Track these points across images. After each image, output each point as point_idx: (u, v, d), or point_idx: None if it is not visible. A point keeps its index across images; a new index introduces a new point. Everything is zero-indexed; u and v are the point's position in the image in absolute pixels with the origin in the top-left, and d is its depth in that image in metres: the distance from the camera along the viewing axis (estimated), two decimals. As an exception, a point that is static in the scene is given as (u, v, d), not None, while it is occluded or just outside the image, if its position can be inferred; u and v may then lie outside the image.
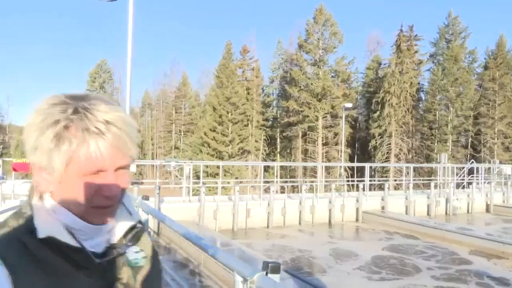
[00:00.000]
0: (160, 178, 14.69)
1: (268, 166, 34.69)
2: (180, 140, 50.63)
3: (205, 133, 38.86)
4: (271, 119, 46.40)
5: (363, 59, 48.18)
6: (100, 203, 0.78)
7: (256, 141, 42.29)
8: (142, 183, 14.04)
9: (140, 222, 0.89)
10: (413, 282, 8.13)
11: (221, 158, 36.31)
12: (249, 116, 41.40)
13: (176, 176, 15.53)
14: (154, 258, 0.95)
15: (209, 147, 38.26)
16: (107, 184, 0.77)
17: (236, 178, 31.11)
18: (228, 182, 21.54)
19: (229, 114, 38.74)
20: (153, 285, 0.91)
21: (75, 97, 0.78)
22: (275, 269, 1.52)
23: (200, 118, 47.11)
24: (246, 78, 43.97)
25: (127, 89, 9.60)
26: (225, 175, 31.46)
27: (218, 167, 23.82)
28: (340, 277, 8.31)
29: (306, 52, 39.59)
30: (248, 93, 42.73)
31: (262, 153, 42.99)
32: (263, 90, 46.92)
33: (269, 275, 1.50)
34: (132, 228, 0.87)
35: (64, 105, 0.76)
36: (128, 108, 10.12)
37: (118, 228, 0.86)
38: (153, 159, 46.48)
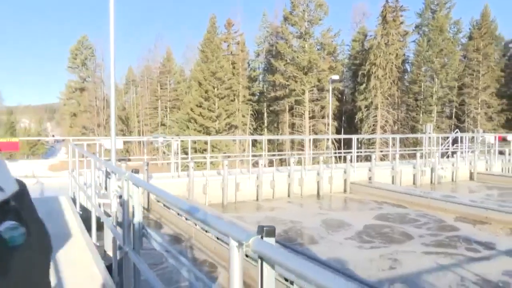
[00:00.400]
0: (147, 155, 14.58)
1: (256, 141, 34.71)
2: (167, 117, 50.15)
3: (191, 109, 38.53)
4: (258, 94, 46.13)
5: (349, 31, 48.08)
6: None
7: (243, 116, 42.15)
8: (129, 159, 13.95)
9: (16, 194, 0.78)
10: (405, 249, 8.32)
11: (208, 134, 36.18)
12: (236, 91, 41.09)
13: (164, 152, 15.45)
14: (40, 235, 0.84)
15: (196, 123, 38.02)
16: None
17: (224, 153, 31.11)
18: (216, 157, 21.54)
19: (215, 89, 38.35)
20: (36, 266, 0.79)
21: None
22: (270, 232, 1.51)
23: (186, 94, 46.61)
24: (231, 52, 43.39)
25: (111, 66, 9.35)
26: (213, 150, 31.42)
27: (206, 142, 23.76)
28: (332, 247, 8.45)
29: (291, 24, 39.08)
30: (234, 68, 42.27)
31: (250, 128, 42.94)
32: (249, 64, 46.43)
33: (264, 238, 1.49)
34: (5, 202, 0.75)
35: None
36: (113, 85, 9.90)
37: None
38: (139, 136, 46.06)
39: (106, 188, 6.39)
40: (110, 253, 5.18)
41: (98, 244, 5.61)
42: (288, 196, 13.87)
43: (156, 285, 2.81)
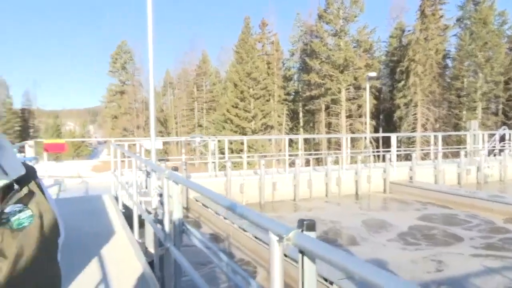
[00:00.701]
0: (185, 155, 14.84)
1: (292, 141, 34.56)
2: (203, 118, 50.92)
3: (227, 110, 38.91)
4: (293, 93, 45.93)
5: (386, 28, 46.97)
6: None
7: (279, 116, 42.09)
8: (168, 160, 14.25)
9: (22, 177, 0.76)
10: (452, 251, 7.97)
11: (244, 134, 36.38)
12: (271, 91, 41.11)
13: (201, 153, 15.68)
14: (48, 218, 0.82)
15: (232, 124, 38.36)
16: None
17: (260, 153, 31.19)
18: (253, 157, 21.62)
19: (251, 89, 38.54)
20: (42, 251, 0.78)
21: None
22: (311, 226, 1.48)
23: (221, 95, 47.13)
24: (266, 53, 43.46)
25: (150, 69, 9.56)
26: (249, 151, 31.57)
27: (242, 143, 23.91)
28: (374, 248, 8.22)
29: (326, 22, 38.61)
30: (269, 68, 42.31)
31: (285, 128, 42.82)
32: (284, 64, 46.31)
33: (305, 232, 1.47)
34: (9, 187, 0.74)
35: None
36: (152, 88, 10.15)
37: None
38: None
39: (146, 187, 6.55)
40: (151, 249, 5.31)
41: (140, 240, 5.76)
42: (326, 195, 13.71)
43: (197, 281, 2.85)
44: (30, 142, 10.92)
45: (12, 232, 0.73)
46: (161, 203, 4.40)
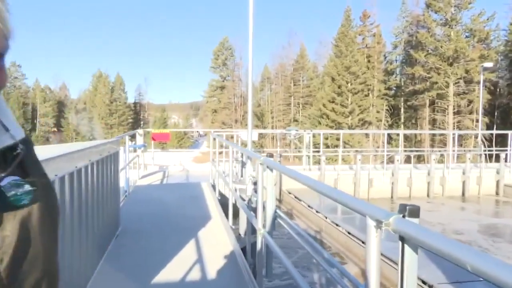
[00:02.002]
0: (280, 149, 14.96)
1: (391, 137, 32.84)
2: (299, 113, 50.96)
3: (323, 105, 38.40)
4: (394, 88, 43.58)
5: (506, 14, 41.81)
6: None
7: (378, 112, 40.34)
8: (263, 152, 14.56)
9: (23, 141, 0.65)
10: None
11: (340, 130, 35.60)
12: (370, 85, 39.55)
13: (296, 146, 15.69)
14: (48, 195, 0.69)
15: (328, 119, 37.77)
16: None
17: (356, 149, 30.23)
18: (348, 152, 21.02)
19: (349, 84, 37.50)
20: (45, 232, 0.65)
21: None
22: (414, 212, 1.35)
23: (318, 90, 46.63)
24: (366, 45, 41.88)
25: (249, 65, 9.78)
26: (344, 146, 30.81)
27: (337, 138, 23.40)
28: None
29: (435, 11, 35.81)
30: (369, 61, 40.71)
31: (384, 124, 40.89)
32: (385, 57, 44.15)
33: (406, 218, 1.34)
34: (11, 150, 0.62)
35: None
36: (251, 82, 10.40)
37: None
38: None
39: (242, 176, 6.74)
40: (244, 236, 5.44)
41: (233, 227, 5.95)
42: (427, 195, 12.78)
43: (288, 267, 2.83)
44: (140, 131, 11.94)
45: (11, 209, 0.60)
46: (255, 191, 4.48)
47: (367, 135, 35.80)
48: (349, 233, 7.14)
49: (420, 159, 25.07)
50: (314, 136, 14.70)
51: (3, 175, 0.58)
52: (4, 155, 0.60)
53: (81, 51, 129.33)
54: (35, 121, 63.73)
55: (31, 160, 0.68)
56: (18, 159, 0.60)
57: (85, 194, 3.61)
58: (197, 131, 72.71)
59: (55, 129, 64.91)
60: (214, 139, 9.34)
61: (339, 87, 37.71)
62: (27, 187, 0.62)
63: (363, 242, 5.74)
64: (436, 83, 34.64)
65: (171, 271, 4.12)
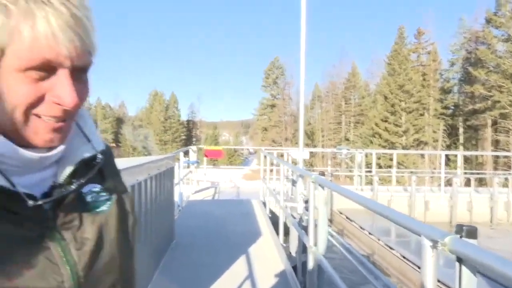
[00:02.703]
0: (330, 167, 14.80)
1: (449, 159, 31.31)
2: (350, 132, 50.12)
3: (376, 124, 37.53)
4: (452, 107, 41.67)
5: None
6: (50, 111, 0.54)
7: (434, 132, 38.71)
8: (313, 170, 14.46)
9: (103, 152, 0.67)
10: None
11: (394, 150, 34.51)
12: (425, 104, 38.17)
13: (347, 165, 15.44)
14: (126, 203, 0.71)
15: (381, 138, 36.81)
16: (62, 85, 0.53)
17: (411, 172, 29.11)
18: (403, 173, 20.30)
19: (402, 102, 36.47)
20: (120, 238, 0.67)
21: None
22: (472, 233, 1.34)
23: (370, 109, 45.68)
24: (421, 63, 40.65)
25: (301, 84, 9.88)
26: (398, 167, 29.78)
27: (391, 158, 22.71)
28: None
29: (496, 27, 34.19)
30: (424, 79, 39.39)
31: (441, 145, 39.06)
32: (442, 75, 42.49)
33: (464, 239, 1.34)
34: (92, 160, 0.64)
35: None
36: (303, 101, 10.49)
37: (70, 158, 0.62)
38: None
39: (292, 194, 6.76)
40: (295, 254, 5.44)
41: (284, 245, 5.96)
42: (491, 221, 12.01)
43: (340, 287, 2.81)
44: (194, 148, 12.35)
45: (90, 216, 0.63)
46: (306, 209, 4.49)
47: (422, 155, 34.40)
48: (403, 256, 6.89)
49: (481, 182, 23.66)
50: (366, 155, 14.41)
51: (83, 181, 0.61)
52: (87, 165, 0.63)
53: (140, 71, 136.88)
54: (96, 137, 67.41)
55: (111, 170, 0.72)
56: (96, 168, 0.63)
57: (144, 206, 3.81)
58: (247, 149, 73.54)
59: (114, 145, 68.48)
60: (265, 156, 9.46)
61: (392, 105, 36.76)
62: (106, 195, 0.65)
63: (418, 267, 5.51)
64: (499, 102, 32.77)
65: (223, 286, 4.20)
